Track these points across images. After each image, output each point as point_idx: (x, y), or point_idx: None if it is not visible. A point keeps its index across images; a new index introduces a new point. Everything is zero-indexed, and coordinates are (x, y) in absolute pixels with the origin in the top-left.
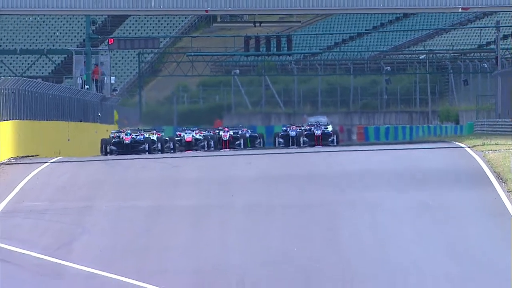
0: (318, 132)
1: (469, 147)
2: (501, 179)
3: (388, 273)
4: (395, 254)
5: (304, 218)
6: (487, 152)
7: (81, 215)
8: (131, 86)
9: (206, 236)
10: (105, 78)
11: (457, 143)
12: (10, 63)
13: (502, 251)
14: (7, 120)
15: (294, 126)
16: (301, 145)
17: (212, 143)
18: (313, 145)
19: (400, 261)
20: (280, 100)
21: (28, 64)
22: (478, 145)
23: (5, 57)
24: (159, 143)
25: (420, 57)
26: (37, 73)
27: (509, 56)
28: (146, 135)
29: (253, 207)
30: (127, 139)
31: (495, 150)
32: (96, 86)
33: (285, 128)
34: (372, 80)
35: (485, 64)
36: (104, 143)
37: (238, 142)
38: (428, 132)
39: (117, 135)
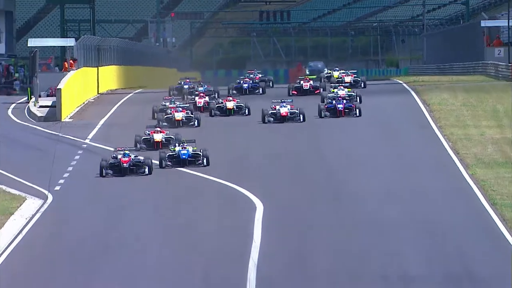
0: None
1: (405, 83)
2: (425, 102)
3: (353, 162)
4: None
5: (297, 129)
6: (417, 86)
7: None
8: (185, 44)
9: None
10: (168, 39)
11: (397, 80)
12: (108, 29)
13: (416, 132)
14: (107, 65)
15: (247, 79)
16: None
17: (301, 117)
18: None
19: (360, 152)
20: (283, 53)
21: (120, 29)
22: (411, 82)
23: (105, 24)
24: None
25: (374, 25)
26: (125, 35)
27: (431, 24)
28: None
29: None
30: (125, 162)
31: (422, 85)
32: (163, 44)
33: (238, 81)
34: (342, 40)
35: (416, 29)
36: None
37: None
38: (378, 73)
39: (118, 152)
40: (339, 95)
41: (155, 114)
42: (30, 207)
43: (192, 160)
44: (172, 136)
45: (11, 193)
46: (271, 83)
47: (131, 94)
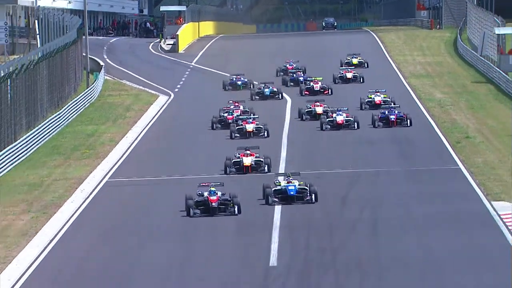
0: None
1: (370, 30)
2: (382, 41)
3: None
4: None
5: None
6: (377, 32)
7: (228, 61)
8: (247, 9)
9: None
10: (238, 6)
11: (366, 29)
12: (207, 2)
13: (376, 57)
14: (204, 21)
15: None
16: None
17: (356, 124)
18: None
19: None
20: (302, 14)
21: (210, 0)
22: (374, 29)
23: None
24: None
25: None
26: (213, 4)
27: None
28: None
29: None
30: (213, 201)
31: (380, 31)
32: (235, 8)
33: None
34: (336, 7)
35: (377, 0)
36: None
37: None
38: (356, 25)
39: (201, 193)
40: (375, 101)
41: (214, 125)
42: (162, 100)
43: (300, 196)
44: (261, 159)
45: (150, 92)
46: (302, 72)
47: (217, 37)
